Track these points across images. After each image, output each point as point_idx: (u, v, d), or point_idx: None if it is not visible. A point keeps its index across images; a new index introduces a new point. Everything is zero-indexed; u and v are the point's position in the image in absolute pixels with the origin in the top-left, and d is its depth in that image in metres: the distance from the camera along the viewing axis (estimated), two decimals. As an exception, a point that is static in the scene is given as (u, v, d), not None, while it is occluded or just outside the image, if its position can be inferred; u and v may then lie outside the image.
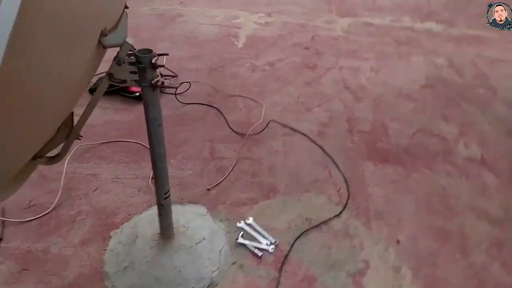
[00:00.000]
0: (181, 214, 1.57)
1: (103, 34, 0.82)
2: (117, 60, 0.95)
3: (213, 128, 2.16)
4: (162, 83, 1.03)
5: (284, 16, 3.56)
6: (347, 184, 1.82)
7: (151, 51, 0.98)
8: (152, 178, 1.82)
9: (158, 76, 1.01)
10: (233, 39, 3.13)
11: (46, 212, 1.63)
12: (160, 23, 3.38)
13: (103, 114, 2.20)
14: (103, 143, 2.00)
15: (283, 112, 2.30)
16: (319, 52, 2.98)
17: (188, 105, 2.33)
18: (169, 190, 1.25)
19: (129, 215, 1.65)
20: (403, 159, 1.99)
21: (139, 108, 2.26)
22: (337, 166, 1.93)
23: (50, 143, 1.07)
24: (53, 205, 1.66)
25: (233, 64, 2.78)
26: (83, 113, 1.07)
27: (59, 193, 1.71)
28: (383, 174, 1.90)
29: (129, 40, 0.94)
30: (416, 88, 2.57)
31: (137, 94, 2.27)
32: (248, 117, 2.25)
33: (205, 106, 2.32)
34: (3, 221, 1.59)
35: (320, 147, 2.05)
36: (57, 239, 1.54)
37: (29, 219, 1.61)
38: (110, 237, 1.55)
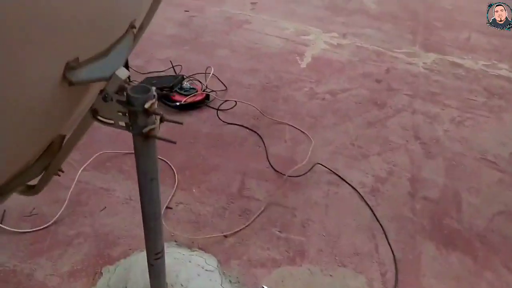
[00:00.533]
0: (184, 265, 1.31)
1: (70, 67, 0.57)
2: (103, 95, 0.70)
3: (250, 158, 1.88)
4: (159, 137, 0.77)
5: (359, 40, 3.19)
6: (396, 268, 1.45)
7: (149, 90, 0.72)
8: (167, 207, 1.58)
9: (154, 123, 0.75)
10: (297, 57, 2.84)
11: (44, 226, 1.46)
12: (226, 28, 3.19)
13: (137, 120, 2.02)
14: (127, 153, 1.81)
15: (333, 154, 1.96)
16: (392, 88, 2.59)
17: (228, 125, 2.07)
18: (161, 251, 0.99)
19: (130, 249, 1.42)
20: (476, 248, 1.56)
21: (178, 119, 2.05)
22: (387, 239, 1.56)
23: (23, 175, 0.85)
24: (54, 219, 1.48)
25: (290, 86, 2.49)
26: (61, 151, 0.85)
27: (64, 205, 1.53)
28: (446, 263, 1.49)
29: (122, 72, 0.68)
30: (505, 155, 2.09)
31: (180, 103, 2.06)
32: (292, 152, 1.95)
33: (247, 130, 2.06)
34: (-2, 226, 1.44)
35: (370, 209, 1.68)
36: (46, 263, 1.35)
37: (25, 230, 1.44)
38: (101, 273, 1.33)
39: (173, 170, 1.74)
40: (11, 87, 0.50)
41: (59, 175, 0.94)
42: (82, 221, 1.50)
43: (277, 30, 3.23)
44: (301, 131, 2.09)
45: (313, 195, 1.73)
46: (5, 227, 1.44)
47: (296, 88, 2.47)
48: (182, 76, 2.24)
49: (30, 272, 1.32)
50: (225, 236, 1.50)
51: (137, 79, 2.26)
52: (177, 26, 3.12)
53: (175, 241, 1.46)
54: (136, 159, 0.79)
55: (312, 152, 1.92)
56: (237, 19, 3.36)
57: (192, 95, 2.12)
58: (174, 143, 0.69)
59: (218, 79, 2.39)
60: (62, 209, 1.52)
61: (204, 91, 2.20)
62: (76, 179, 1.64)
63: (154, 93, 0.74)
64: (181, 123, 0.77)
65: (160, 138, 0.74)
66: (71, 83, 0.59)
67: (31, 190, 0.99)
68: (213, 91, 2.26)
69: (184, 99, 2.08)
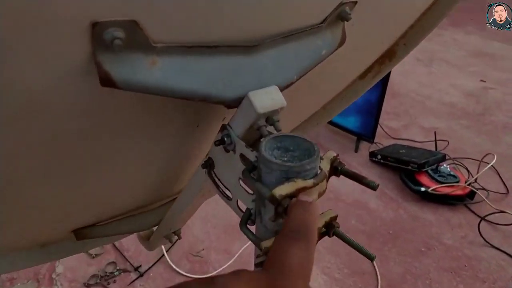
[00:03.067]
0: None
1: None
2: (222, 135, 0.33)
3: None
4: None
5: None
6: None
7: (310, 151, 0.29)
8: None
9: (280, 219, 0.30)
10: None
11: None
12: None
13: (364, 194, 1.56)
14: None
15: None
16: None
17: (489, 248, 1.31)
18: None
19: None
20: None
21: (414, 211, 1.46)
22: None
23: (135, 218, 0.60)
24: None
25: None
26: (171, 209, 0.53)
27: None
28: None
29: (267, 99, 0.30)
30: None
31: (426, 190, 1.47)
32: None
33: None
34: None
35: None
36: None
37: None
38: None
39: (377, 280, 1.19)
40: None
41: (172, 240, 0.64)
42: None
43: None
44: None
45: None
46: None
47: None
48: (444, 155, 1.63)
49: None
50: None
51: (383, 142, 1.81)
52: (462, 95, 2.46)
53: None
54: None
55: None
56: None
57: (449, 184, 1.47)
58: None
59: (499, 175, 1.62)
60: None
61: (469, 184, 1.51)
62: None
63: (317, 164, 0.31)
64: (374, 188, 0.30)
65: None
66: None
67: (145, 242, 0.73)
68: (484, 189, 1.53)
69: (435, 186, 1.47)
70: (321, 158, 0.35)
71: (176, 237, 0.67)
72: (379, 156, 1.66)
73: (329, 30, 0.42)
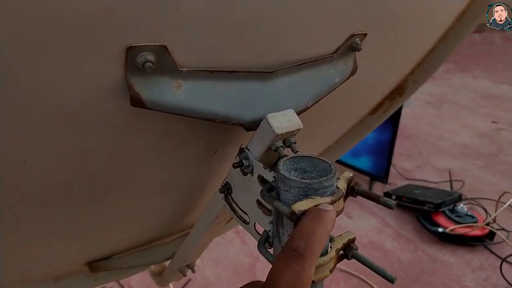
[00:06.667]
0: None
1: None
2: (240, 158, 0.35)
3: None
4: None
5: None
6: None
7: (327, 169, 0.30)
8: None
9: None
10: None
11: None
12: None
13: (377, 231, 1.52)
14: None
15: None
16: None
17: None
18: None
19: None
20: None
21: (433, 252, 1.42)
22: None
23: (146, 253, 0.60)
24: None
25: None
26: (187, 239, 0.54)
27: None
28: None
29: (283, 121, 0.34)
30: None
31: (444, 231, 1.43)
32: None
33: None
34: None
35: None
36: None
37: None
38: None
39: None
40: None
41: (185, 274, 0.63)
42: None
43: None
44: None
45: None
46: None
47: None
48: (460, 195, 1.60)
49: None
50: None
51: (396, 182, 1.79)
52: (475, 136, 2.45)
53: None
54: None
55: None
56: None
57: (467, 225, 1.44)
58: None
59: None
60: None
61: (487, 225, 1.46)
62: None
63: (334, 182, 0.32)
64: (391, 207, 0.30)
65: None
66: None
67: (157, 278, 0.72)
68: (503, 229, 1.48)
69: (453, 226, 1.43)
70: (338, 178, 0.36)
71: (189, 271, 0.66)
72: (393, 197, 1.64)
73: (341, 60, 0.44)
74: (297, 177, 0.33)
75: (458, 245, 1.43)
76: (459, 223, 1.44)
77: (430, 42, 0.67)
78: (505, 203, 1.53)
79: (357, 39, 0.44)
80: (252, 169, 0.37)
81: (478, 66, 3.91)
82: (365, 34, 0.45)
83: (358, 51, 0.44)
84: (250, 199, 0.38)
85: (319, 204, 0.31)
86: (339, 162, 1.86)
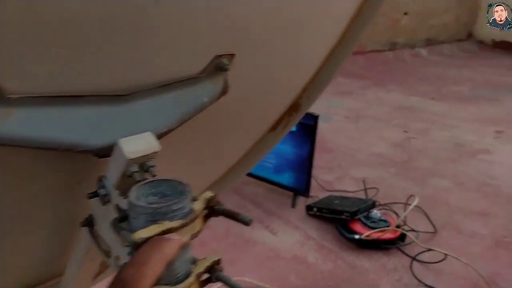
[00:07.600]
0: None
1: None
2: (98, 187, 0.34)
3: None
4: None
5: None
6: None
7: (181, 192, 0.30)
8: None
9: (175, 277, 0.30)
10: None
11: None
12: (452, 155, 2.50)
13: (297, 245, 1.55)
14: None
15: None
16: None
17: (428, 290, 1.33)
18: None
19: None
20: None
21: (351, 260, 1.47)
22: None
23: None
24: None
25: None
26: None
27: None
28: None
29: (137, 144, 0.30)
30: None
31: (360, 237, 1.50)
32: None
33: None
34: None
35: None
36: None
37: None
38: None
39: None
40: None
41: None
42: None
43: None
44: None
45: None
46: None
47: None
48: (373, 202, 1.71)
49: None
50: None
51: (319, 195, 1.86)
52: (389, 146, 2.65)
53: None
54: None
55: None
56: (471, 147, 2.62)
57: (380, 229, 1.52)
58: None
59: (426, 215, 1.72)
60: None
61: (398, 227, 1.57)
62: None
63: (186, 205, 0.31)
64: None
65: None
66: None
67: None
68: (413, 230, 1.60)
69: (368, 232, 1.51)
70: (196, 199, 0.35)
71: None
72: (315, 209, 1.69)
73: (209, 80, 0.44)
74: (151, 202, 0.32)
75: (375, 250, 1.51)
76: (373, 228, 1.53)
77: (314, 64, 0.71)
78: (410, 204, 1.66)
79: (224, 59, 0.45)
80: (110, 198, 0.36)
81: (391, 81, 4.25)
82: (233, 55, 0.46)
83: (226, 71, 0.45)
84: (110, 230, 0.37)
85: (166, 229, 0.31)
86: (263, 179, 1.89)
